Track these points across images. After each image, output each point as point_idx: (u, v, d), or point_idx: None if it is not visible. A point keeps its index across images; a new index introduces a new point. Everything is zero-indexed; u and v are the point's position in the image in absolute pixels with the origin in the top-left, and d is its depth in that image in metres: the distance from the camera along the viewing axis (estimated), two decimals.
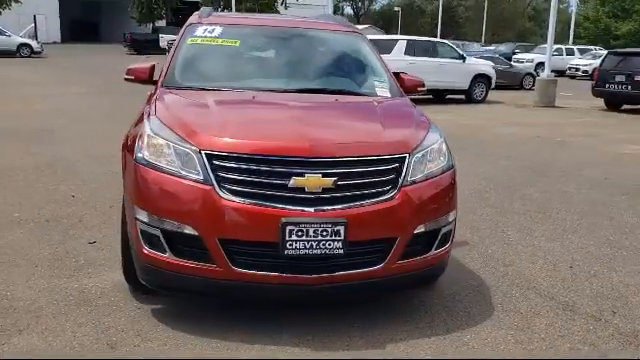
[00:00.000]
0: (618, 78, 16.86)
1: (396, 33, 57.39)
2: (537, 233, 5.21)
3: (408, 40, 17.29)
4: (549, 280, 4.16)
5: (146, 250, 3.19)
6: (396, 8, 75.95)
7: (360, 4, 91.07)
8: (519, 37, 63.26)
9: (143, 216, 3.17)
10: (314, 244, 3.00)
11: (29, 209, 5.32)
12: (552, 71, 18.63)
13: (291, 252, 2.99)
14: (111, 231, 4.66)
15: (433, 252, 3.37)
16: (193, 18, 4.73)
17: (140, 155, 3.27)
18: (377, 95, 4.21)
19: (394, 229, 3.18)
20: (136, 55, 33.17)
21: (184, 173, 3.11)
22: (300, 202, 3.03)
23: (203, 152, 3.11)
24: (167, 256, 3.14)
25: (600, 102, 17.19)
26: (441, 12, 54.95)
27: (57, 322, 3.30)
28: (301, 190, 3.04)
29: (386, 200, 3.15)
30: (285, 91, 4.04)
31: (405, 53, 16.37)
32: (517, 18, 71.99)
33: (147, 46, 36.13)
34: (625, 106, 17.26)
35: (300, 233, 2.98)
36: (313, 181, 3.03)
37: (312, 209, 3.03)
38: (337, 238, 3.01)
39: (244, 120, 3.51)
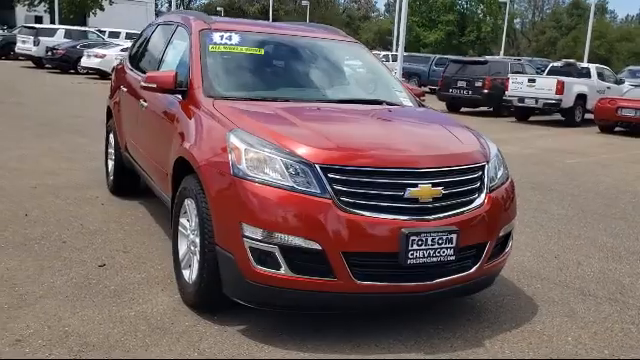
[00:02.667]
0: (460, 84, 18.71)
1: None
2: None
3: None
4: (549, 270, 4.67)
5: (257, 268, 3.07)
6: (218, 8, 75.51)
7: (179, 2, 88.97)
8: None
9: (255, 233, 3.05)
10: (431, 252, 3.13)
11: None
12: None
13: (412, 261, 3.09)
14: (106, 251, 4.42)
15: (505, 253, 3.67)
16: (197, 23, 4.50)
17: (239, 169, 3.13)
18: (405, 105, 4.40)
19: (487, 233, 3.41)
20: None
21: (300, 187, 3.05)
22: (416, 212, 3.15)
23: (317, 165, 3.08)
24: (282, 273, 3.06)
25: (443, 105, 18.88)
26: (271, 15, 55.60)
27: (157, 354, 3.05)
28: (415, 200, 3.15)
29: (480, 206, 3.38)
30: (329, 101, 4.07)
31: None
32: (337, 24, 75.42)
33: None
34: (463, 109, 19.22)
35: (420, 242, 3.09)
36: (425, 191, 3.17)
37: (430, 218, 3.16)
38: (450, 245, 3.18)
39: (341, 132, 3.50)
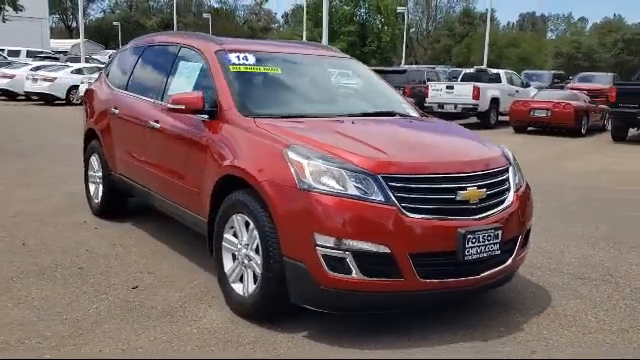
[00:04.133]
0: None
1: (116, 48, 55.81)
2: None
3: None
4: (540, 259, 5.14)
5: (330, 274, 3.27)
6: (115, 23, 73.37)
7: (72, 16, 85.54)
8: None
9: (327, 241, 3.25)
10: (482, 248, 3.47)
11: None
12: None
13: (468, 258, 3.42)
14: (130, 274, 4.45)
15: (527, 247, 4.06)
16: (209, 44, 4.62)
17: (305, 182, 3.33)
18: (412, 115, 4.73)
19: (518, 229, 3.79)
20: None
21: (366, 196, 3.29)
22: (467, 213, 3.47)
23: (380, 176, 3.33)
24: (354, 277, 3.27)
25: None
26: (175, 28, 54.60)
27: None
28: (466, 202, 3.48)
29: (511, 204, 3.75)
30: (353, 115, 4.33)
31: None
32: (239, 36, 75.46)
33: None
34: None
35: (474, 240, 3.42)
36: (473, 193, 3.50)
37: (478, 218, 3.49)
38: (496, 240, 3.53)
39: (388, 144, 3.73)
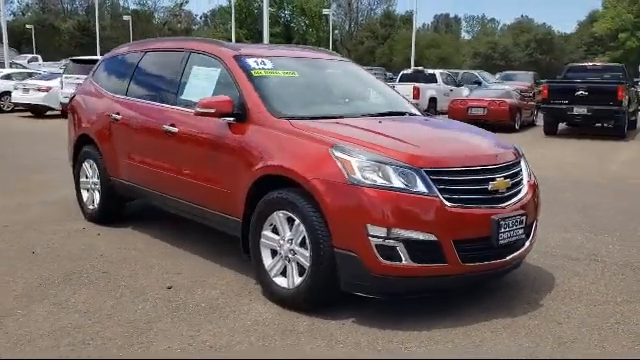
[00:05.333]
0: None
1: (31, 52, 53.67)
2: None
3: None
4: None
5: (383, 262, 3.54)
6: (28, 26, 70.27)
7: None
8: None
9: (380, 232, 3.51)
10: (511, 233, 3.84)
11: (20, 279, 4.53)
12: None
13: (501, 242, 3.78)
14: (158, 275, 4.55)
15: (536, 234, 4.47)
16: (225, 49, 4.77)
17: (354, 178, 3.57)
18: (417, 113, 5.06)
19: (534, 215, 4.19)
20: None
21: (412, 189, 3.58)
22: (498, 201, 3.84)
23: (422, 169, 3.63)
24: (405, 263, 3.55)
25: None
26: (98, 31, 52.78)
27: (317, 349, 3.38)
28: (495, 192, 3.83)
29: (527, 193, 4.14)
30: (373, 115, 4.62)
31: None
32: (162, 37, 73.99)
33: None
34: None
35: (505, 226, 3.79)
36: (501, 183, 3.87)
37: (505, 205, 3.85)
38: (521, 226, 3.92)
39: (421, 140, 4.02)
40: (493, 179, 3.83)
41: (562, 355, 3.43)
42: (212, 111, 4.28)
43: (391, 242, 3.53)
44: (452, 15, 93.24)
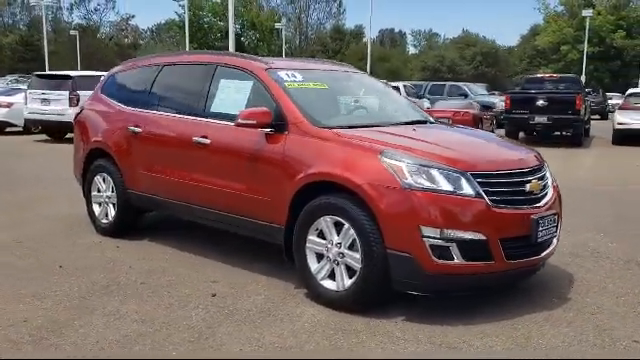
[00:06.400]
0: None
1: None
2: None
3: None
4: None
5: (436, 261, 3.74)
6: None
7: None
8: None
9: (434, 232, 3.72)
10: (547, 231, 4.12)
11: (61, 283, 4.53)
12: None
13: (540, 239, 4.05)
14: (195, 283, 4.61)
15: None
16: (256, 63, 4.91)
17: (406, 182, 3.77)
18: (434, 122, 5.32)
19: (560, 215, 4.47)
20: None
21: (460, 191, 3.80)
22: (534, 201, 4.10)
23: (469, 173, 3.86)
24: (457, 262, 3.76)
25: None
26: (46, 46, 51.36)
27: (376, 348, 3.54)
28: (531, 193, 4.10)
29: (553, 194, 4.42)
30: (402, 124, 4.84)
31: None
32: (108, 53, 72.69)
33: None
34: None
35: (543, 225, 4.06)
36: (536, 185, 4.14)
37: (541, 205, 4.12)
38: (554, 224, 4.21)
39: (460, 146, 4.26)
40: (529, 181, 4.10)
41: (564, 355, 3.56)
42: (253, 122, 4.40)
43: (444, 242, 3.73)
44: (397, 30, 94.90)
